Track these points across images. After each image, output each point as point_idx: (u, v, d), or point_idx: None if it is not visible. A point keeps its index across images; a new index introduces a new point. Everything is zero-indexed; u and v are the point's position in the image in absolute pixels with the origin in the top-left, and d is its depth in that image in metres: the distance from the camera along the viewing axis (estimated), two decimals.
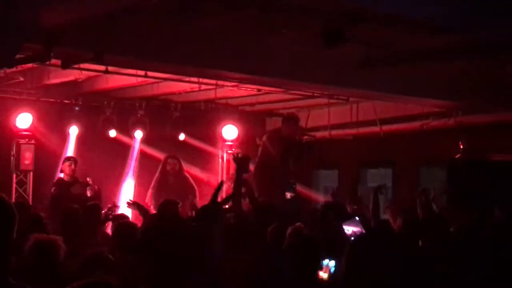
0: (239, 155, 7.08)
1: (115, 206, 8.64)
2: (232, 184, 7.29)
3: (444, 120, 11.83)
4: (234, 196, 6.73)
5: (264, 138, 10.20)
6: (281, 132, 9.97)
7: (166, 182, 11.30)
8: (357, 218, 6.65)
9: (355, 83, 9.89)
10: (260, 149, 10.23)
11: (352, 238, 6.03)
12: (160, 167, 11.58)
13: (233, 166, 13.75)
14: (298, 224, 6.00)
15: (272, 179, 9.46)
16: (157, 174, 11.55)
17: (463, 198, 9.07)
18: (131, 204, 8.37)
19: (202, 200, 10.47)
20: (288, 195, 8.44)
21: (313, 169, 14.70)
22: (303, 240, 5.31)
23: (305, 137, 9.92)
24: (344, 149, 13.94)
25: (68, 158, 11.11)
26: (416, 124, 12.20)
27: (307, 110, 14.08)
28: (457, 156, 11.07)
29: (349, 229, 6.58)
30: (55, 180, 10.85)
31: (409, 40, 8.10)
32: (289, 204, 8.70)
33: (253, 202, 7.47)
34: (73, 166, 10.73)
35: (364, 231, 6.19)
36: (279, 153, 9.68)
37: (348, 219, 6.65)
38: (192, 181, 11.56)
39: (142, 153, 13.18)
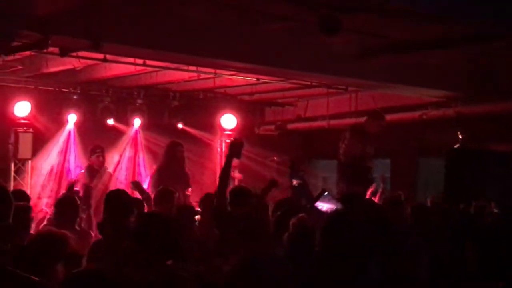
0: (234, 139, 7.03)
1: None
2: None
3: (443, 110, 11.80)
4: (221, 181, 6.61)
5: (347, 134, 9.93)
6: (364, 128, 9.86)
7: (170, 169, 10.71)
8: (326, 193, 6.62)
9: (354, 73, 9.88)
10: (342, 144, 9.99)
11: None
12: (166, 152, 11.04)
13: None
14: (302, 215, 5.98)
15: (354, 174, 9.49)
16: (162, 160, 11.05)
17: (460, 189, 9.06)
18: (133, 184, 8.35)
19: (196, 190, 10.53)
20: (294, 182, 8.37)
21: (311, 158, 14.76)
22: (306, 231, 5.27)
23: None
24: None
25: (95, 150, 11.29)
26: (415, 114, 12.18)
27: (305, 99, 14.08)
28: (455, 146, 11.06)
29: (323, 206, 6.58)
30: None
31: (408, 30, 8.09)
32: (294, 191, 8.67)
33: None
34: (101, 157, 11.13)
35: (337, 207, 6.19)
36: (362, 149, 9.69)
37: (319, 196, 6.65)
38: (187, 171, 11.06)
39: (141, 142, 13.21)
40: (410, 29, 8.04)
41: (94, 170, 11.13)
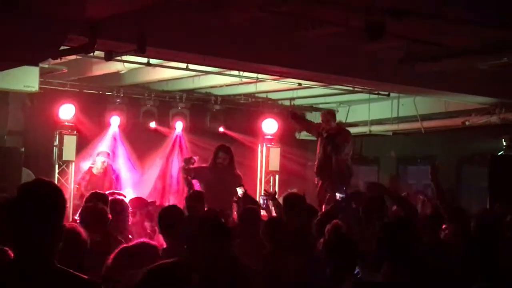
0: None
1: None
2: None
3: (486, 117, 11.65)
4: None
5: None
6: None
7: (210, 176, 10.24)
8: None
9: (396, 78, 9.81)
10: None
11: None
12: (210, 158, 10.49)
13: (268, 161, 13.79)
14: (336, 221, 6.00)
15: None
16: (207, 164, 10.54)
17: (504, 196, 8.94)
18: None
19: None
20: (338, 196, 8.47)
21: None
22: (341, 238, 5.28)
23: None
24: (384, 145, 13.86)
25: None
26: (458, 121, 12.04)
27: (347, 105, 14.03)
28: (499, 154, 10.92)
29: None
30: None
31: (452, 36, 8.02)
32: (336, 205, 8.71)
33: None
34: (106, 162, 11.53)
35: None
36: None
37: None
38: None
39: (185, 146, 13.29)
40: (455, 36, 7.97)
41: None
